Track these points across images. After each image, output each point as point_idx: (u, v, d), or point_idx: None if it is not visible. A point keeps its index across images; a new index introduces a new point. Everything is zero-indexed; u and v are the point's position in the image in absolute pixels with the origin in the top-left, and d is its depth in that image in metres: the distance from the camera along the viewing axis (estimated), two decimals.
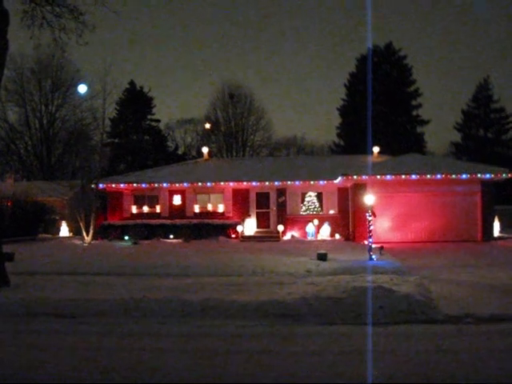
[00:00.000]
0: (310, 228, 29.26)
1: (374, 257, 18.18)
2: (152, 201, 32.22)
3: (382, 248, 20.03)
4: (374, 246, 18.87)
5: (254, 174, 31.99)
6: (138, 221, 30.34)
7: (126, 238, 28.83)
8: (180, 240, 28.67)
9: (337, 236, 29.02)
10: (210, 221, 29.87)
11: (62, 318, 10.14)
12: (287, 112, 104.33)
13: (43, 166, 51.58)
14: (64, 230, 33.72)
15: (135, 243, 27.05)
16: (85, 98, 45.95)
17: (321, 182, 30.25)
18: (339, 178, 27.98)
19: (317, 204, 30.69)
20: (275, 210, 31.10)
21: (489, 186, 27.11)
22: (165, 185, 31.35)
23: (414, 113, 58.13)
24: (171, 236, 29.25)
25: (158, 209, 32.10)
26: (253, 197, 31.50)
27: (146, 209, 32.07)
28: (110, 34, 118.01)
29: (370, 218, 18.92)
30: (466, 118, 56.96)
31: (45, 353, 7.73)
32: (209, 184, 31.05)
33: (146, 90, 61.11)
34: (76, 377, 6.62)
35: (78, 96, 48.57)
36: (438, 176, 26.48)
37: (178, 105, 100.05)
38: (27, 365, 7.13)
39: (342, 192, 30.47)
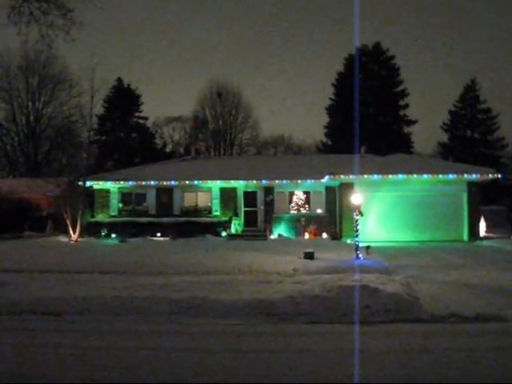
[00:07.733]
0: (297, 227, 29.28)
1: (360, 256, 18.24)
2: (139, 198, 32.08)
3: (368, 247, 20.09)
4: (360, 245, 18.93)
5: (242, 173, 31.97)
6: (125, 218, 30.21)
7: (113, 235, 28.73)
8: (167, 238, 28.56)
9: (324, 235, 29.03)
10: (197, 219, 29.77)
11: (47, 315, 10.09)
12: (275, 111, 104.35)
13: (30, 162, 51.15)
14: (50, 228, 33.44)
15: (122, 241, 26.92)
16: (72, 95, 45.79)
17: (308, 181, 30.28)
18: (326, 178, 28.04)
19: (304, 203, 30.71)
20: (263, 208, 31.08)
21: (475, 186, 27.27)
22: (152, 183, 31.23)
23: (402, 113, 58.25)
24: (158, 234, 29.12)
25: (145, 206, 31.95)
26: (240, 195, 31.47)
27: (133, 206, 31.93)
28: (98, 31, 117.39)
29: (356, 217, 18.97)
30: (453, 118, 57.06)
31: (29, 351, 7.69)
32: (196, 182, 30.99)
33: (133, 87, 60.74)
34: (62, 376, 6.59)
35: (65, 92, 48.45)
36: (425, 176, 26.60)
37: (166, 102, 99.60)
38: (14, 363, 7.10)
39: (330, 191, 30.55)
